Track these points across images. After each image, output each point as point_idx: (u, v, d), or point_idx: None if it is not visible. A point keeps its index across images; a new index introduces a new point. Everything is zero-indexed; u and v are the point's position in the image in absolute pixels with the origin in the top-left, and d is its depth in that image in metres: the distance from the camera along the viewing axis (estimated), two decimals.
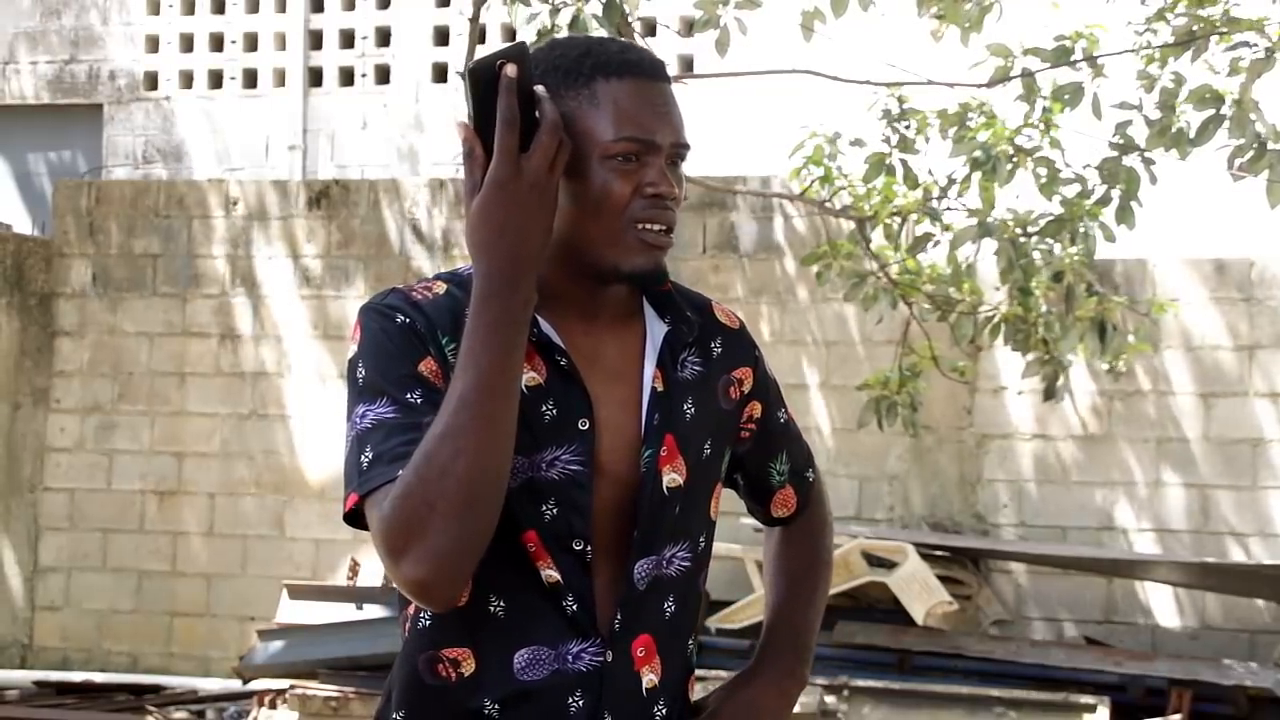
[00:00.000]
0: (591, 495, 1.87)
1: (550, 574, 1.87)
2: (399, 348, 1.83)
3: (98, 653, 9.49)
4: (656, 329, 1.96)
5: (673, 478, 1.93)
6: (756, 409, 2.06)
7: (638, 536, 1.91)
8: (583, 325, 1.91)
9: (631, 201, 1.85)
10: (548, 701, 1.87)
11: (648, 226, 1.87)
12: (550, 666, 1.87)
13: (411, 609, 1.92)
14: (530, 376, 1.86)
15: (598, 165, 1.84)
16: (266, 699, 7.19)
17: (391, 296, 1.88)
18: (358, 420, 1.81)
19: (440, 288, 1.90)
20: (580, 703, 1.87)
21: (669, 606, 1.95)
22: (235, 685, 8.10)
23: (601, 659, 1.88)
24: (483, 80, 1.75)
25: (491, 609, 1.87)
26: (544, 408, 1.86)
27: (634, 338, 1.95)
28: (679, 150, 1.89)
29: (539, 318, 1.86)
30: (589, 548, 1.88)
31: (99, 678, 8.61)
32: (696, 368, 1.98)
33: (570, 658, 1.88)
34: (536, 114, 1.76)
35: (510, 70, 1.74)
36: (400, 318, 1.84)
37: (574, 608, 1.87)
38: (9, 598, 9.53)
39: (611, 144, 1.84)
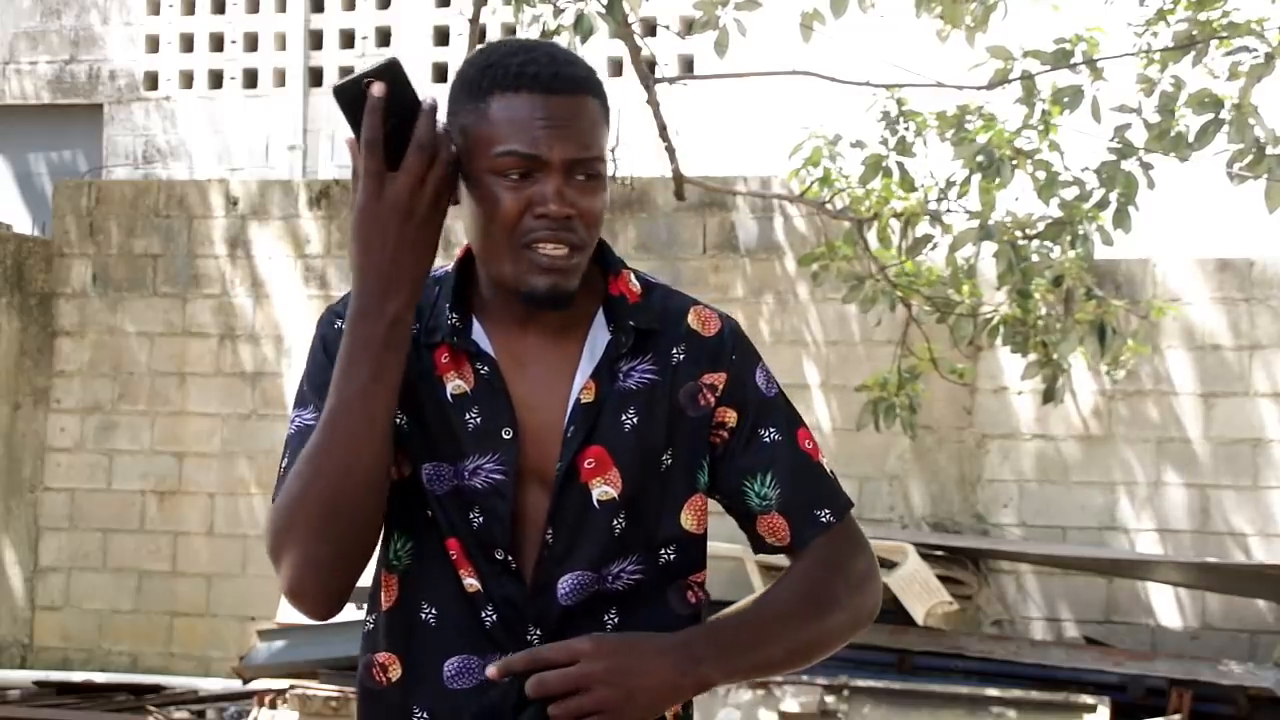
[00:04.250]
0: (512, 504, 1.86)
1: (470, 583, 1.86)
2: (331, 355, 1.83)
3: (98, 653, 9.49)
4: (600, 337, 1.92)
5: (605, 490, 1.89)
6: (729, 416, 1.95)
7: (552, 549, 1.88)
8: (520, 331, 1.90)
9: (521, 219, 1.82)
10: (475, 710, 1.86)
11: (542, 248, 1.82)
12: (478, 676, 1.86)
13: (365, 613, 1.95)
14: (456, 385, 1.86)
15: (489, 180, 1.81)
16: (267, 699, 7.19)
17: (340, 303, 1.90)
18: (290, 425, 1.87)
19: None
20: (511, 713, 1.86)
21: (610, 618, 1.90)
22: (236, 685, 8.10)
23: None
24: (351, 99, 1.73)
25: (423, 616, 1.88)
26: (468, 415, 1.86)
27: (574, 345, 1.91)
28: (581, 165, 1.83)
29: (475, 321, 1.87)
30: (510, 557, 1.86)
31: (99, 678, 8.61)
32: (646, 377, 1.92)
33: None
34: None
35: (376, 89, 1.71)
36: (339, 323, 1.84)
37: (492, 618, 1.86)
38: (9, 598, 9.53)
39: (496, 159, 1.81)
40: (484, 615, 1.86)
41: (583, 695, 1.77)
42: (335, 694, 6.97)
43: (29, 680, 8.31)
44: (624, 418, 1.90)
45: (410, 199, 1.73)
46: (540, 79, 1.83)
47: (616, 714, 1.78)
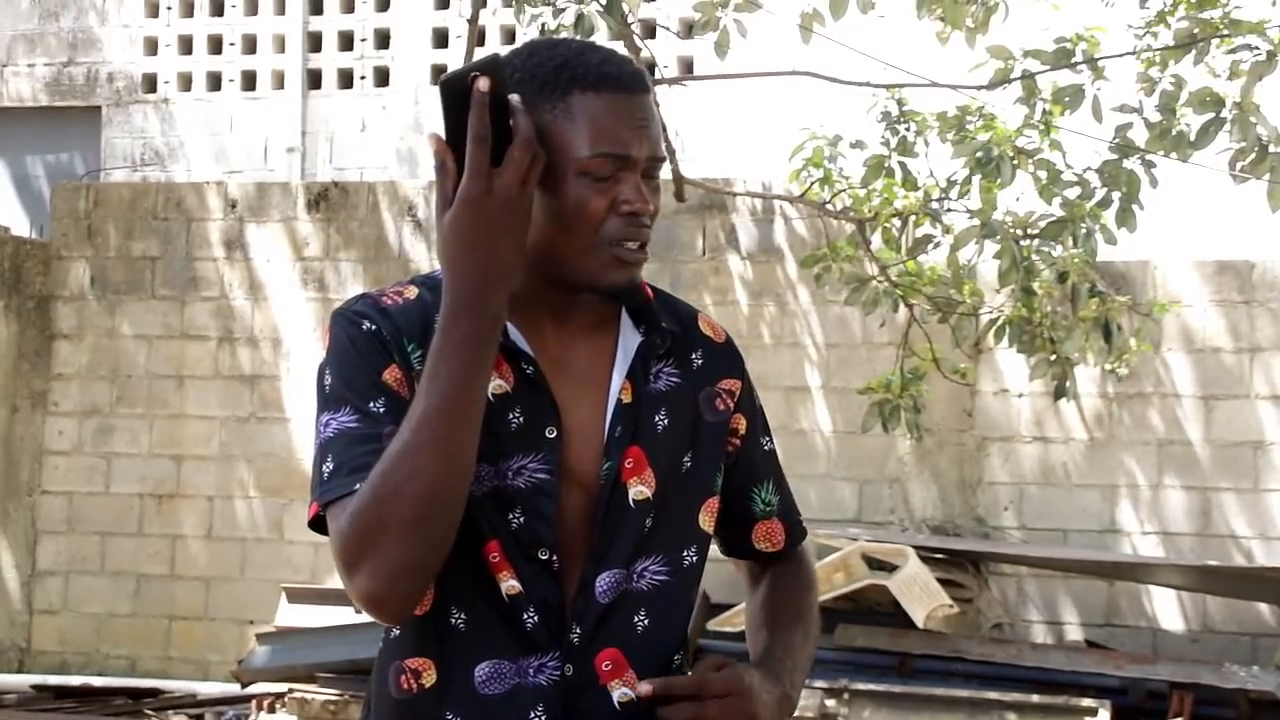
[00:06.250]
0: (557, 504, 1.85)
1: (511, 585, 1.85)
2: (363, 356, 1.82)
3: (96, 656, 9.47)
4: (630, 338, 1.94)
5: (640, 490, 1.90)
6: (741, 423, 2.03)
7: (597, 547, 1.88)
8: (554, 330, 1.90)
9: (607, 218, 1.82)
10: (509, 715, 1.85)
11: (623, 244, 1.83)
12: (511, 680, 1.85)
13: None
14: (497, 384, 1.84)
15: (573, 180, 1.81)
16: (265, 703, 7.19)
17: (360, 303, 1.88)
18: (322, 429, 1.81)
19: (412, 292, 1.89)
20: (542, 717, 1.85)
21: (640, 620, 1.91)
22: (234, 689, 8.09)
23: (560, 673, 1.86)
24: (455, 93, 1.72)
25: (453, 621, 1.86)
26: (510, 415, 1.85)
27: (606, 346, 1.93)
28: (655, 163, 1.86)
29: (509, 324, 1.85)
30: (555, 557, 1.86)
31: (97, 681, 8.59)
32: (672, 379, 1.95)
33: (531, 671, 1.86)
34: (511, 123, 1.73)
35: (482, 84, 1.70)
36: (366, 324, 1.84)
37: (534, 620, 1.85)
38: (7, 601, 9.51)
39: (587, 160, 1.80)
40: (525, 618, 1.85)
41: None
42: (333, 697, 6.96)
43: (26, 684, 8.29)
44: (657, 419, 1.92)
45: (518, 194, 1.72)
46: (622, 79, 1.84)
47: None
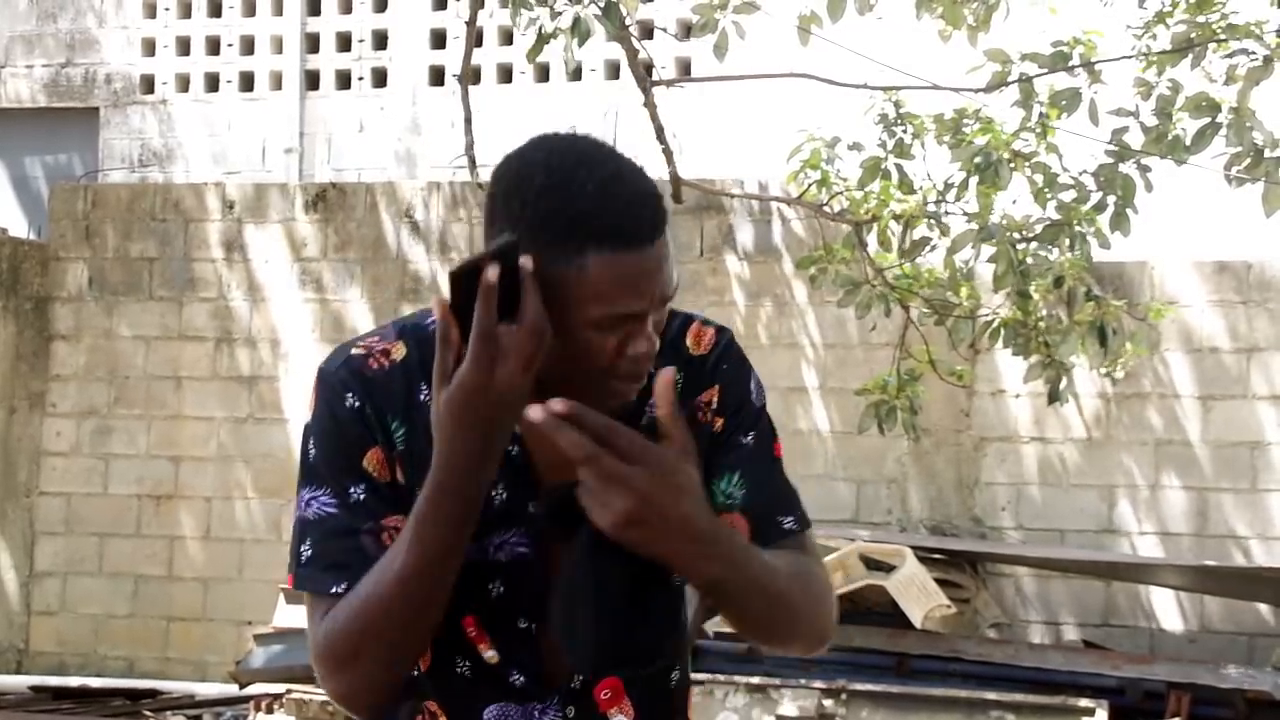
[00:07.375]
0: (538, 578, 1.85)
1: (491, 655, 1.87)
2: (345, 437, 1.83)
3: (94, 658, 9.47)
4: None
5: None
6: (719, 424, 1.98)
7: None
8: (535, 390, 1.86)
9: (613, 360, 1.80)
10: None
11: (626, 380, 1.82)
12: None
13: None
14: None
15: (584, 331, 1.77)
16: (263, 704, 7.19)
17: (344, 368, 1.86)
18: (303, 505, 1.85)
19: (399, 351, 1.86)
20: None
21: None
22: (232, 690, 8.09)
23: (563, 714, 1.90)
24: (465, 276, 1.69)
25: (458, 669, 1.89)
26: (494, 493, 1.85)
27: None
28: (664, 301, 1.82)
29: None
30: (533, 625, 1.87)
31: (95, 683, 8.60)
32: (654, 410, 1.89)
33: (536, 713, 1.89)
34: (519, 279, 1.70)
35: (491, 274, 1.67)
36: (350, 400, 1.83)
37: (520, 680, 1.88)
38: (5, 603, 9.51)
39: (601, 318, 1.77)
40: (512, 680, 1.88)
41: (626, 499, 1.68)
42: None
43: (25, 685, 8.30)
44: None
45: (520, 386, 1.71)
46: (640, 234, 1.79)
47: (649, 535, 1.70)
